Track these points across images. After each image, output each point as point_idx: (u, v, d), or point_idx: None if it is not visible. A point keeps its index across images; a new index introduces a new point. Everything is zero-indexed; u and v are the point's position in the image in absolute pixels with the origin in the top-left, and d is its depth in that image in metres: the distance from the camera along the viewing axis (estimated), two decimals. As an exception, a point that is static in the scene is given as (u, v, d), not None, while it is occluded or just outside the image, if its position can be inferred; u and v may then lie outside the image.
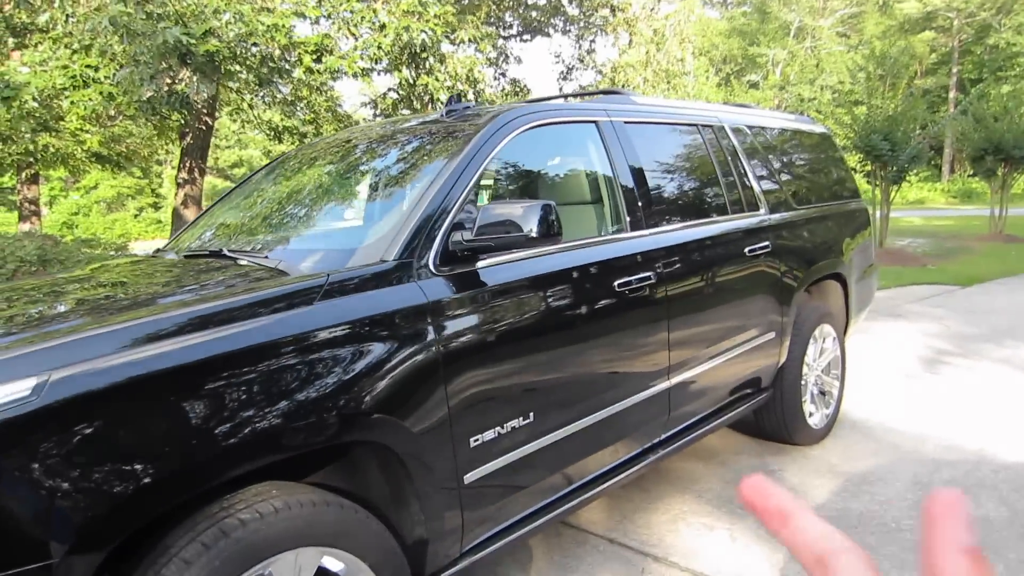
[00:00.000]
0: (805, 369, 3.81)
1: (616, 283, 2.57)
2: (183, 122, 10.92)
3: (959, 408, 4.46)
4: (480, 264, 2.18)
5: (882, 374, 5.28)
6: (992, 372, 5.25)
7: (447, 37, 11.30)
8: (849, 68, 16.34)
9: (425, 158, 2.58)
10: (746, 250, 3.29)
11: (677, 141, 3.32)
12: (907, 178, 12.27)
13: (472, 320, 2.10)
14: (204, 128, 11.89)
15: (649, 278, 2.70)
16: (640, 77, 18.83)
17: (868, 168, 12.16)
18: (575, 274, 2.47)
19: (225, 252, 2.42)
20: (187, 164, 11.93)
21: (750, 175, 3.56)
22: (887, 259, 11.29)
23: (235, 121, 14.72)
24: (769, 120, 4.11)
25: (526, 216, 2.08)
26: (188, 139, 12.13)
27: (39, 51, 8.83)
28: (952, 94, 35.96)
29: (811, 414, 3.90)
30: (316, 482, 1.91)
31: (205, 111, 11.27)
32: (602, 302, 2.54)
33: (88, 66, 8.49)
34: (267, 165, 3.37)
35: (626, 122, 2.95)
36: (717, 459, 3.82)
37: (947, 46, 37.97)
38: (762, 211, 3.54)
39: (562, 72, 21.65)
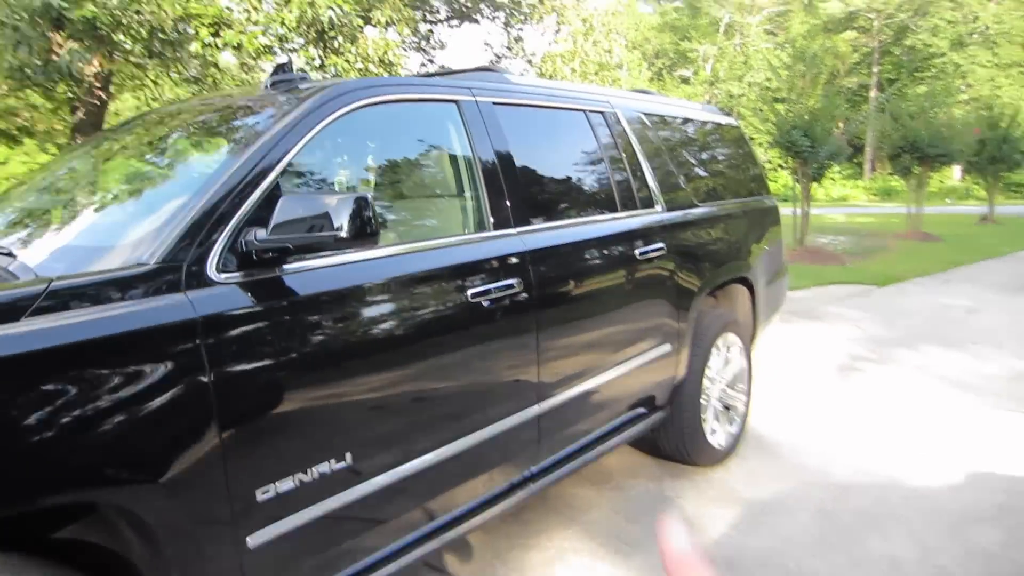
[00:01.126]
0: (706, 383, 3.47)
1: (470, 292, 2.13)
2: (72, 96, 10.01)
3: (872, 422, 4.19)
4: (287, 269, 1.72)
5: (794, 384, 5.00)
6: (907, 380, 5.04)
7: (362, 17, 10.67)
8: (773, 64, 16.32)
9: (227, 138, 2.08)
10: (636, 252, 2.89)
11: (559, 127, 2.90)
12: (828, 174, 12.27)
13: (264, 341, 1.64)
14: (97, 103, 10.95)
15: (512, 286, 2.26)
16: (568, 68, 18.49)
17: (790, 165, 12.12)
18: (415, 282, 2.02)
19: None
20: (79, 142, 10.98)
21: (645, 168, 3.17)
22: (807, 257, 11.25)
23: (138, 98, 13.71)
24: (671, 109, 3.73)
25: (337, 211, 1.62)
26: (80, 114, 11.17)
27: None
28: (873, 93, 36.94)
29: (713, 432, 3.55)
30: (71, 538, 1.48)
31: (98, 85, 10.36)
32: (449, 316, 2.10)
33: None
34: (81, 143, 2.81)
35: (495, 103, 2.51)
36: (611, 483, 3.43)
37: (868, 46, 38.98)
38: (658, 209, 3.15)
39: (491, 61, 21.19)
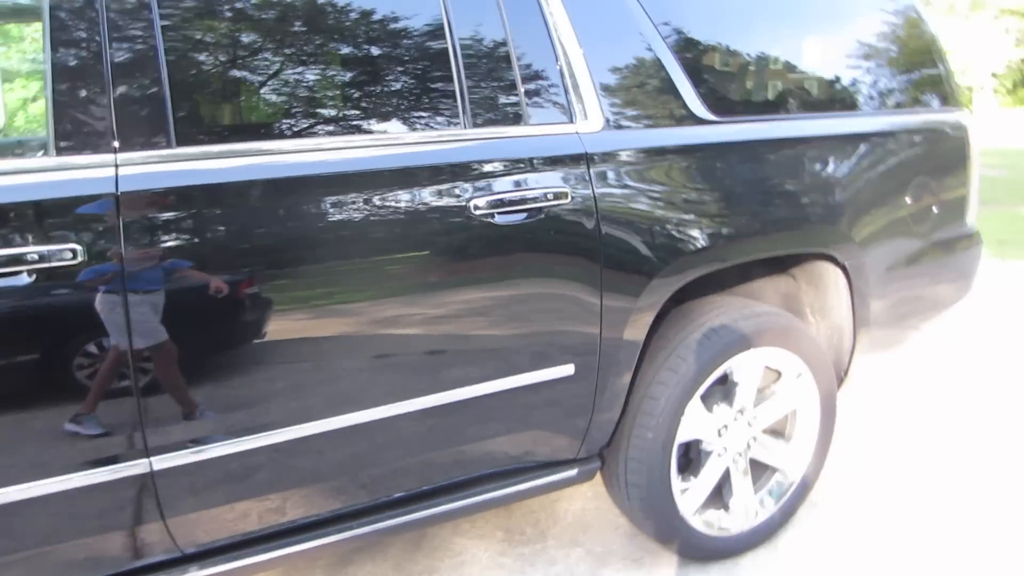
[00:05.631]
0: (692, 429, 2.03)
1: None
2: None
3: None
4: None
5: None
6: None
7: None
8: None
9: None
10: (473, 203, 1.60)
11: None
12: None
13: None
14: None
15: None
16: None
17: None
18: None
19: None
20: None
21: (571, 50, 1.77)
22: None
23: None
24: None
25: None
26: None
27: None
28: None
29: (712, 505, 2.17)
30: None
31: None
32: None
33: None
34: None
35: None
36: (534, 545, 2.24)
37: None
38: (583, 123, 1.77)
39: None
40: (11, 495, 1.32)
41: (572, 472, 1.99)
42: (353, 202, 1.52)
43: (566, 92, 1.76)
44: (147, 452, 1.41)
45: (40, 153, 1.35)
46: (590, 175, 1.73)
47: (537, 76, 1.73)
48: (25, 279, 1.25)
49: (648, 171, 1.83)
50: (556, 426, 1.90)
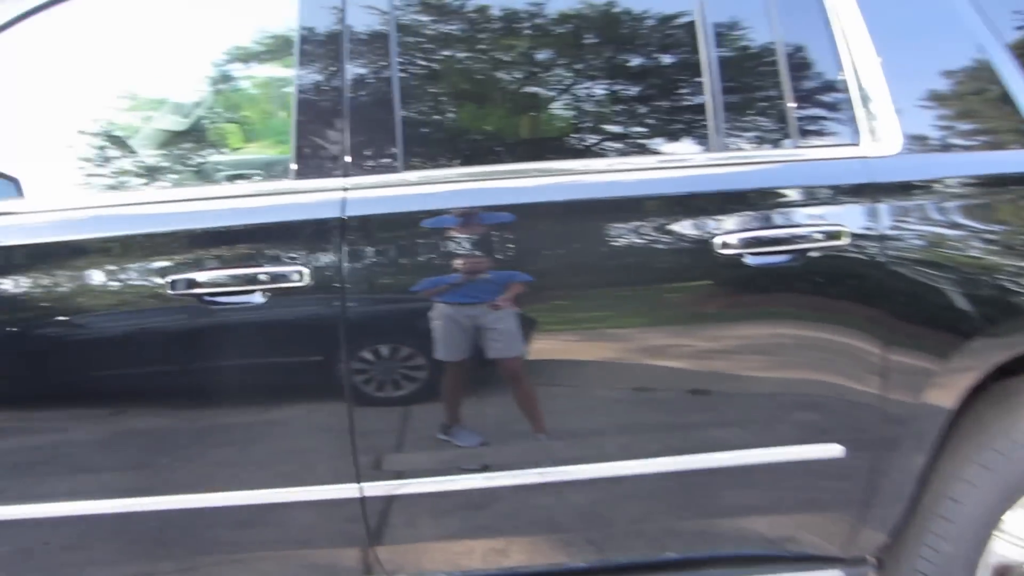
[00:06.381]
0: (1009, 548, 1.51)
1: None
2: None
3: None
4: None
5: None
6: None
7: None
8: None
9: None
10: (722, 243, 1.34)
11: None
12: None
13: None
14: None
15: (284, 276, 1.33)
16: None
17: None
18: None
19: None
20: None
21: (850, 48, 1.42)
22: None
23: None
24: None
25: None
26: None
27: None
28: None
29: None
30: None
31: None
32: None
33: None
34: None
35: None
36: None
37: None
38: (871, 145, 1.40)
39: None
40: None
41: (837, 573, 1.63)
42: (571, 234, 1.38)
43: (851, 107, 1.42)
44: (359, 478, 1.41)
45: (280, 175, 1.41)
46: (879, 209, 1.38)
47: (813, 87, 1.43)
48: (258, 299, 1.31)
49: (969, 206, 1.42)
50: (819, 513, 1.57)
